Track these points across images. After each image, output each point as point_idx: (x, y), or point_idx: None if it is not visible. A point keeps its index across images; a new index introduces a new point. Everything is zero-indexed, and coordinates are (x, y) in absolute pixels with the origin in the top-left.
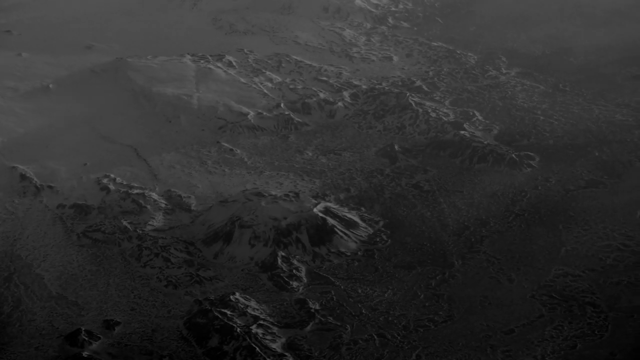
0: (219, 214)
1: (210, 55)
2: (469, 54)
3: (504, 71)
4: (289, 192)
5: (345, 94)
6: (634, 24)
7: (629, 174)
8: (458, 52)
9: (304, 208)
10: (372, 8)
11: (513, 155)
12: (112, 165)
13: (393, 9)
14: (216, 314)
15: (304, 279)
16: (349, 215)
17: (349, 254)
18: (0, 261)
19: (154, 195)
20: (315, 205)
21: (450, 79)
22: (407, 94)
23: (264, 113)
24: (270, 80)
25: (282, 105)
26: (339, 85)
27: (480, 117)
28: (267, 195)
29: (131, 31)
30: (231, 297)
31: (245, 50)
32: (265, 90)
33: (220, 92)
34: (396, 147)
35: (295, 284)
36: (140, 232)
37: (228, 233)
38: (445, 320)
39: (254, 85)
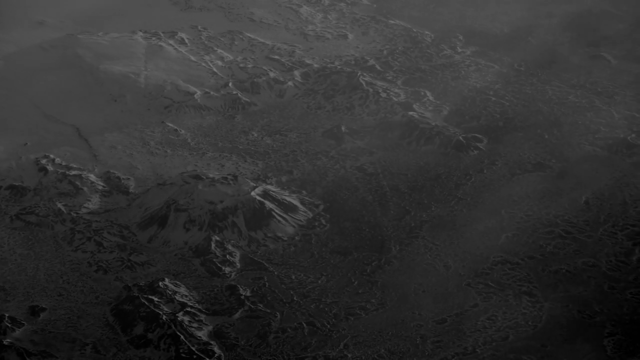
0: (155, 197)
1: (163, 32)
2: (426, 32)
3: (459, 50)
4: (228, 174)
5: (297, 73)
6: (596, 3)
7: (577, 157)
8: (415, 30)
9: (241, 191)
10: None
11: (460, 137)
12: (52, 145)
13: None
14: (143, 300)
15: (238, 264)
16: (288, 199)
17: (285, 238)
18: None
19: (92, 177)
20: (254, 188)
21: (405, 58)
22: (359, 74)
23: (211, 92)
24: (222, 58)
25: (230, 84)
26: (290, 64)
27: (431, 98)
28: (205, 178)
29: (85, 7)
30: (160, 283)
31: (199, 27)
32: (215, 69)
33: (168, 71)
34: (343, 128)
35: (227, 269)
36: (75, 214)
37: (163, 217)
38: (377, 308)
39: (203, 64)
